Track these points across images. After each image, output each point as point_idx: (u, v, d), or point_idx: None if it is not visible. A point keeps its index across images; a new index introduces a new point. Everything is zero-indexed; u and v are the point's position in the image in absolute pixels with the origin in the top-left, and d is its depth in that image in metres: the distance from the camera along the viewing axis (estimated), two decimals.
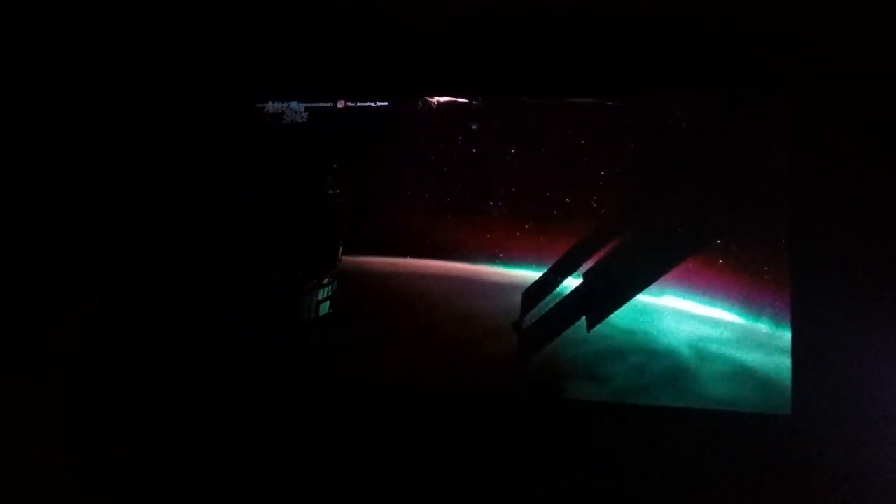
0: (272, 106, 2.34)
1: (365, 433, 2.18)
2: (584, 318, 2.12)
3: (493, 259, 2.24)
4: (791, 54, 2.00)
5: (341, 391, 2.23)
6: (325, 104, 2.32)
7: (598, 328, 2.10)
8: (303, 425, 2.22)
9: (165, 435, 2.27)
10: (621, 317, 2.10)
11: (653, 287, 2.08)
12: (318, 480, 2.16)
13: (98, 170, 2.28)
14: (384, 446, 2.15)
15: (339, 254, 2.33)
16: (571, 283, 2.16)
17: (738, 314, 2.01)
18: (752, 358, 1.98)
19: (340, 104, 2.32)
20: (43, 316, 2.20)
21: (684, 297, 2.06)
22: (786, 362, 1.93)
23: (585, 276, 2.14)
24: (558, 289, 2.16)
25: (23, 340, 2.15)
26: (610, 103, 2.17)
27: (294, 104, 2.33)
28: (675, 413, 1.98)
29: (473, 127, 2.27)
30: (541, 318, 2.16)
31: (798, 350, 1.90)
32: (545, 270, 2.18)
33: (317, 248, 2.34)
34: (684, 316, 2.05)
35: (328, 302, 2.32)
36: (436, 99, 2.29)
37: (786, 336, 1.94)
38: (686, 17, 2.05)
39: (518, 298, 2.19)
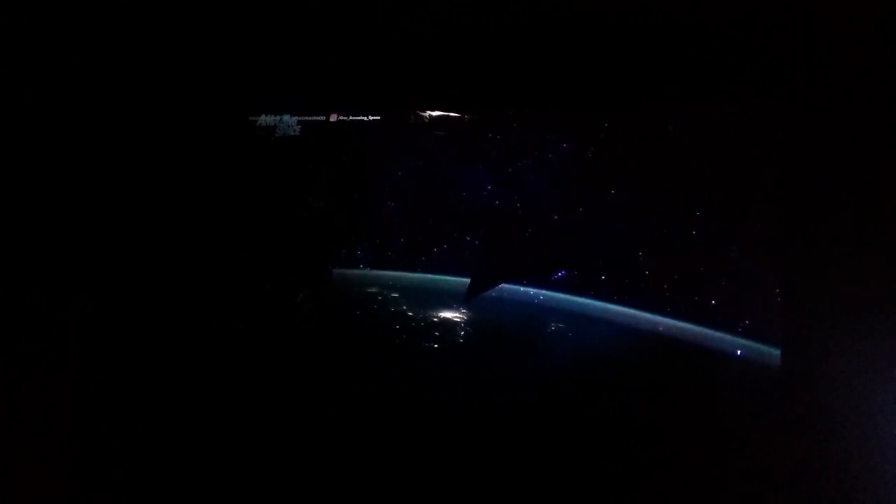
0: (265, 119, 2.38)
1: (358, 436, 2.21)
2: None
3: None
4: (788, 59, 1.97)
5: (333, 397, 2.25)
6: (317, 117, 2.36)
7: None
8: (298, 428, 2.25)
9: (162, 438, 2.30)
10: None
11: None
12: (316, 480, 2.19)
13: (91, 176, 2.33)
14: (379, 446, 2.18)
15: (331, 265, 2.35)
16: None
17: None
18: None
19: (333, 118, 2.35)
20: (38, 319, 2.25)
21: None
22: None
23: (545, 236, 2.18)
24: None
25: (18, 342, 2.20)
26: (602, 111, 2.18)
27: (286, 117, 2.37)
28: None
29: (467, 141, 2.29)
30: (493, 264, 2.22)
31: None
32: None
33: (308, 259, 2.37)
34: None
35: (318, 312, 2.34)
36: (428, 112, 2.30)
37: None
38: (682, 21, 2.04)
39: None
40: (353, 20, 2.23)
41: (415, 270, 2.31)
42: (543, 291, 2.20)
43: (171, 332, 2.33)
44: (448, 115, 2.29)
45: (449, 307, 2.27)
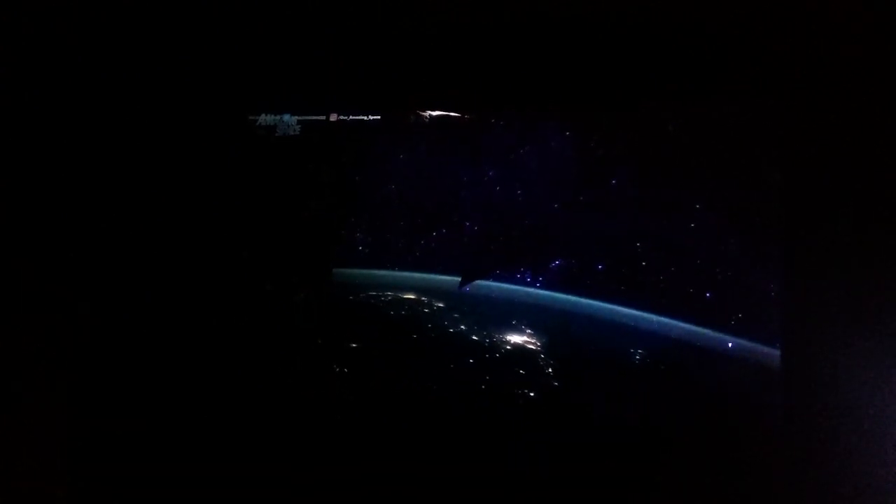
0: (265, 118, 2.38)
1: (358, 436, 2.21)
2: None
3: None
4: (788, 59, 1.97)
5: (332, 396, 2.27)
6: (317, 117, 2.36)
7: None
8: (296, 429, 2.25)
9: (160, 440, 2.29)
10: None
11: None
12: (315, 481, 2.18)
13: (91, 176, 2.34)
14: (378, 447, 2.18)
15: (331, 265, 2.35)
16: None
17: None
18: None
19: (333, 117, 2.35)
20: (38, 319, 2.25)
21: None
22: None
23: (543, 227, 2.19)
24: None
25: (13, 343, 2.20)
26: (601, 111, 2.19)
27: (287, 116, 2.37)
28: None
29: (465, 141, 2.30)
30: (487, 255, 2.23)
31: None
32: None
33: (308, 259, 2.37)
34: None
35: (318, 312, 2.34)
36: (428, 112, 2.30)
37: None
38: (682, 21, 2.04)
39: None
40: (353, 20, 2.23)
41: (428, 270, 2.30)
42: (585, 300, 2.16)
43: (170, 332, 2.33)
44: (448, 115, 2.29)
45: (509, 326, 2.19)
